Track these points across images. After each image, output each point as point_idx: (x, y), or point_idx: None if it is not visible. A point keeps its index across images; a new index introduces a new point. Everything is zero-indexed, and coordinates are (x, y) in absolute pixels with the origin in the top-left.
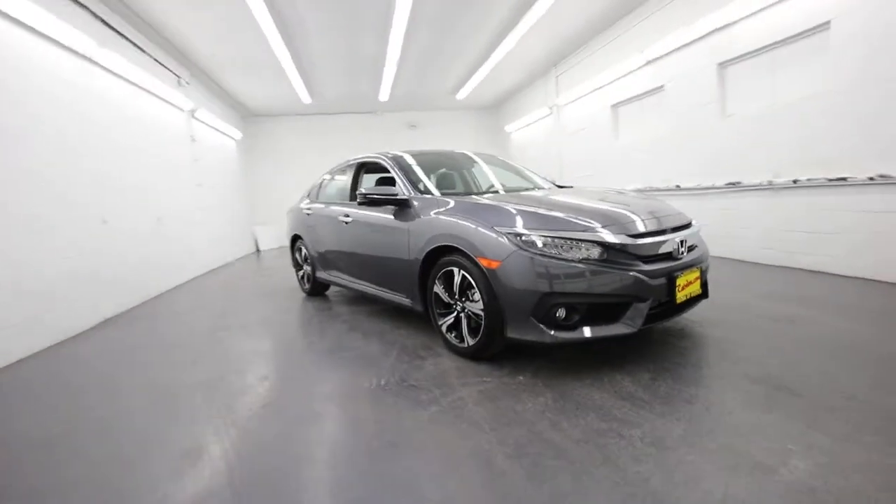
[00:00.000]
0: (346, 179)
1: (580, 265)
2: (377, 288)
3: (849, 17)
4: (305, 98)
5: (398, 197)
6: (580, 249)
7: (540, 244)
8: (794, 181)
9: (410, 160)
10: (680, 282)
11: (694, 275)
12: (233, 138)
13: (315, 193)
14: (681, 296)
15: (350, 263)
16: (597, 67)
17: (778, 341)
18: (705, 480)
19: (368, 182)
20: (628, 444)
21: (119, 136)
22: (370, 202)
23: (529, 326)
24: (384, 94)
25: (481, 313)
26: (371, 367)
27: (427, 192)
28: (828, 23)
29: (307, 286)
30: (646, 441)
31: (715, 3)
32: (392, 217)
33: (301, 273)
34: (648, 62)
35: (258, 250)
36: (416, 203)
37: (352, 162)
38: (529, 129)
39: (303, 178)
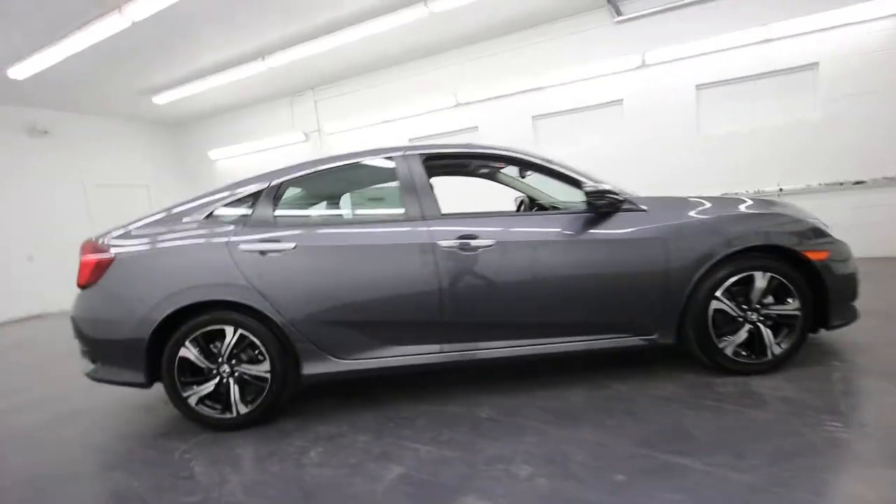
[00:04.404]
0: (403, 186)
1: None
2: (563, 340)
3: (634, 98)
4: None
5: (619, 198)
6: None
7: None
8: None
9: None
10: None
11: None
12: None
13: (265, 219)
14: None
15: (492, 317)
16: (388, 99)
17: None
18: None
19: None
20: None
21: None
22: (606, 207)
23: (846, 310)
24: (23, 72)
25: (796, 313)
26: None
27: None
28: (621, 100)
29: (250, 407)
30: None
31: (530, 70)
32: (573, 228)
33: (209, 385)
34: (460, 104)
35: None
36: (642, 205)
37: (409, 154)
38: (264, 156)
39: None
